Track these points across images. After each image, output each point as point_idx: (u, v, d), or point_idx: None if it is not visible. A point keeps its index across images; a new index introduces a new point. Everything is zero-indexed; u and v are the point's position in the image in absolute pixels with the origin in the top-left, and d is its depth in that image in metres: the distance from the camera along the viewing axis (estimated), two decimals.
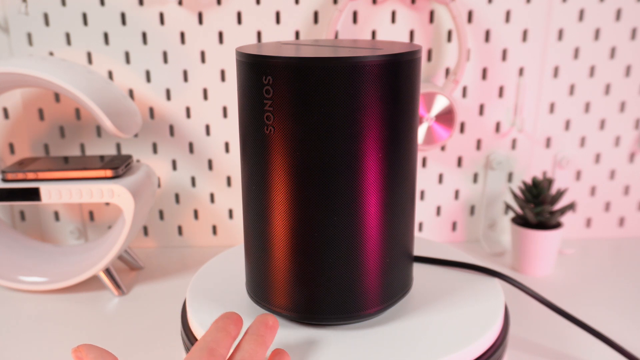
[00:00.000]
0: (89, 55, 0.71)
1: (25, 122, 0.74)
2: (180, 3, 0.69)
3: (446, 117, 0.67)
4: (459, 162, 0.77)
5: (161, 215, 0.78)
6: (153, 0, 0.69)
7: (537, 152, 0.76)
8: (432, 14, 0.71)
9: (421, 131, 0.67)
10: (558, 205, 0.75)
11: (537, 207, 0.68)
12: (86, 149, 0.75)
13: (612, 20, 0.71)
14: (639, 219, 0.80)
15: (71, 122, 0.74)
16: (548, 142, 0.76)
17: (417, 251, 0.54)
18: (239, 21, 0.71)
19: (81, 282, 0.68)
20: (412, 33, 0.72)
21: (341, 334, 0.42)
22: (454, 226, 0.80)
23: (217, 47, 0.71)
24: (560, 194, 0.69)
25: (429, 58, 0.73)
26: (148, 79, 0.73)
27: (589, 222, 0.80)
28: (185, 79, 0.73)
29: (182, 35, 0.71)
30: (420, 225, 0.80)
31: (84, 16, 0.70)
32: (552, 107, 0.75)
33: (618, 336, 0.57)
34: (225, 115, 0.74)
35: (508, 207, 0.76)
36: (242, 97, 0.40)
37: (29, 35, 0.71)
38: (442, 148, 0.76)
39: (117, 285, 0.66)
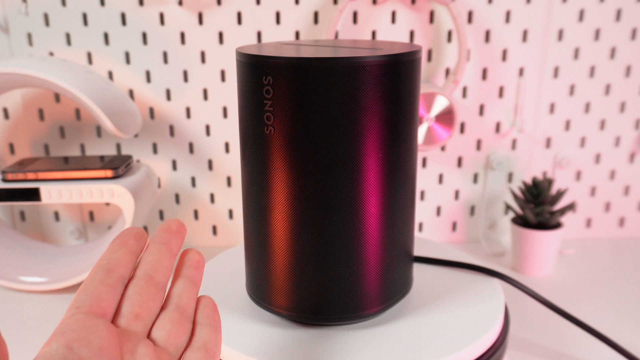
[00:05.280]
0: (89, 55, 0.71)
1: (25, 122, 0.74)
2: (180, 3, 0.69)
3: (446, 117, 0.67)
4: (459, 162, 0.77)
5: (161, 215, 0.78)
6: (153, 1, 0.69)
7: (537, 152, 0.76)
8: (432, 14, 0.71)
9: (421, 131, 0.67)
10: (558, 206, 0.75)
11: (537, 207, 0.68)
12: (86, 149, 0.75)
13: (612, 20, 0.71)
14: (639, 219, 0.80)
15: (71, 122, 0.74)
16: (548, 142, 0.76)
17: (417, 251, 0.54)
18: (239, 21, 0.71)
19: (81, 282, 0.68)
20: (412, 33, 0.72)
21: (341, 334, 0.42)
22: (454, 226, 0.80)
23: (217, 47, 0.71)
24: (560, 194, 0.69)
25: (429, 58, 0.73)
26: (148, 79, 0.73)
27: (589, 222, 0.80)
28: (185, 79, 0.73)
29: (182, 35, 0.71)
30: (420, 225, 0.80)
31: (84, 16, 0.70)
32: (552, 107, 0.75)
33: (618, 336, 0.57)
34: (225, 115, 0.74)
35: (508, 207, 0.76)
36: (242, 97, 0.40)
37: (29, 36, 0.71)
38: (442, 148, 0.76)
39: None
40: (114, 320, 0.29)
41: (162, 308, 0.31)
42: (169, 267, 0.32)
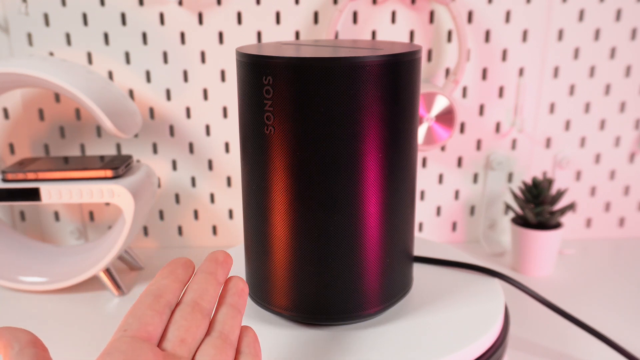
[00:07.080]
0: (89, 55, 0.71)
1: (25, 122, 0.74)
2: (180, 3, 0.69)
3: (446, 117, 0.67)
4: (459, 162, 0.77)
5: (161, 215, 0.78)
6: (153, 0, 0.69)
7: (537, 152, 0.76)
8: (432, 14, 0.71)
9: (421, 131, 0.67)
10: (558, 206, 0.75)
11: (537, 207, 0.68)
12: (86, 149, 0.75)
13: (612, 20, 0.71)
14: (639, 219, 0.80)
15: (71, 122, 0.74)
16: (548, 142, 0.76)
17: (417, 251, 0.54)
18: (239, 21, 0.71)
19: (81, 282, 0.68)
20: (412, 33, 0.72)
21: (341, 334, 0.42)
22: (454, 226, 0.80)
23: (217, 47, 0.71)
24: (560, 194, 0.69)
25: (429, 58, 0.73)
26: (148, 79, 0.73)
27: (589, 222, 0.80)
28: (185, 79, 0.73)
29: (182, 35, 0.71)
30: (420, 225, 0.80)
31: (84, 16, 0.70)
32: (552, 107, 0.75)
33: (618, 336, 0.57)
34: (225, 115, 0.74)
35: (508, 207, 0.76)
36: (242, 97, 0.40)
37: (29, 35, 0.71)
38: (442, 148, 0.76)
39: (117, 285, 0.66)
40: (159, 344, 0.29)
41: (207, 334, 0.32)
42: (214, 295, 0.33)
